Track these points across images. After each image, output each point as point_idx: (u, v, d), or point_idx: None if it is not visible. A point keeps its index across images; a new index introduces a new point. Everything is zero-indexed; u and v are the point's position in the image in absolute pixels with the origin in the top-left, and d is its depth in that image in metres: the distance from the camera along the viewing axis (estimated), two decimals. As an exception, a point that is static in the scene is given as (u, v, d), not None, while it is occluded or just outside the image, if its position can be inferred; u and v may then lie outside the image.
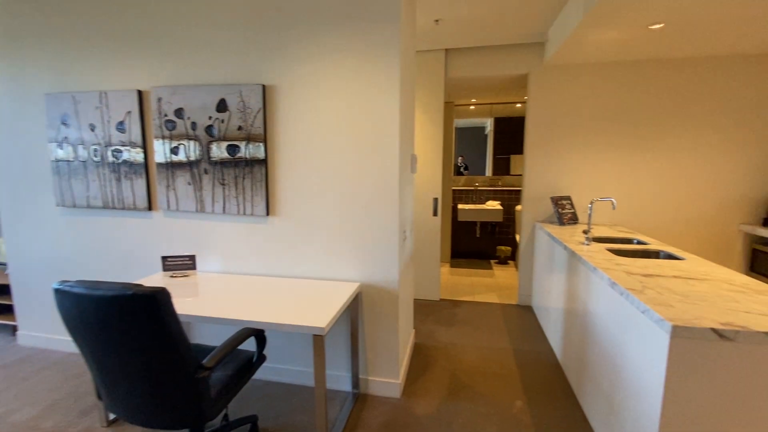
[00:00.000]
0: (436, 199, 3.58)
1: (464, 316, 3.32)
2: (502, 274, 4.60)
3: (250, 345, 2.33)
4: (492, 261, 5.21)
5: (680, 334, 1.20)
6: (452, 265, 4.98)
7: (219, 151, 2.16)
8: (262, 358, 1.73)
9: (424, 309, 3.48)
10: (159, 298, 1.21)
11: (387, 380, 2.15)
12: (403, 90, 2.05)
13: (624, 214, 3.27)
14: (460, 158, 5.76)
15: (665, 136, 3.12)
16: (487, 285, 4.17)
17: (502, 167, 5.55)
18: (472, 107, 5.41)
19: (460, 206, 5.01)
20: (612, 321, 1.68)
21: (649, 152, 3.17)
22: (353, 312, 2.07)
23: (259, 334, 1.68)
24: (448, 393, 2.20)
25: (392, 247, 2.03)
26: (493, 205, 5.01)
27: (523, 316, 3.30)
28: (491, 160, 5.63)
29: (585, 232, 2.42)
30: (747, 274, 3.08)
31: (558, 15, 2.78)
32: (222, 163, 2.16)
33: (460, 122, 5.68)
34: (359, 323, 2.14)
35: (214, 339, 2.38)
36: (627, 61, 3.09)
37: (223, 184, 2.18)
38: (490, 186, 5.34)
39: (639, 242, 2.55)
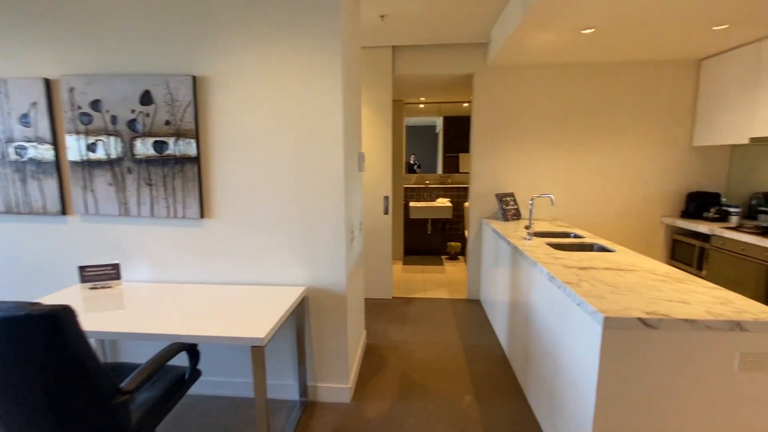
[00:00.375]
0: (386, 198, 3.56)
1: (416, 313, 3.33)
2: (452, 269, 4.70)
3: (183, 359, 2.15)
4: (443, 257, 5.30)
5: (611, 325, 1.25)
6: (405, 263, 5.00)
7: (144, 148, 1.95)
8: (196, 374, 1.59)
9: (376, 308, 3.45)
10: (60, 318, 1.05)
11: (336, 385, 2.08)
12: (347, 85, 1.98)
13: (563, 209, 3.45)
14: (412, 156, 5.80)
15: (596, 136, 3.33)
16: (438, 281, 4.23)
17: (451, 165, 5.66)
18: (421, 106, 5.46)
19: (411, 204, 5.04)
20: (551, 313, 1.74)
21: (583, 151, 3.36)
22: (299, 317, 1.97)
23: (191, 349, 1.54)
24: (400, 393, 2.17)
25: (339, 248, 1.96)
26: (443, 202, 5.10)
27: (472, 311, 3.38)
28: (442, 158, 5.73)
29: (527, 227, 2.51)
30: (668, 263, 3.38)
31: (499, 17, 2.85)
32: (148, 162, 1.96)
33: (411, 121, 5.72)
34: (306, 329, 2.05)
35: (146, 356, 2.17)
36: (563, 64, 3.25)
37: (150, 185, 1.98)
38: (441, 184, 5.43)
39: (576, 236, 2.70)
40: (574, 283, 1.57)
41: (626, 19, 2.24)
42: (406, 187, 5.32)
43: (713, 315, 1.24)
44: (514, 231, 2.78)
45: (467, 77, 3.60)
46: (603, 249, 2.31)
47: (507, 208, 3.26)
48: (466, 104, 5.36)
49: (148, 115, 1.93)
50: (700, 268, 2.98)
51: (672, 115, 3.27)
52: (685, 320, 1.23)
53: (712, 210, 3.11)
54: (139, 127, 1.94)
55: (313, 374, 2.09)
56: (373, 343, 2.78)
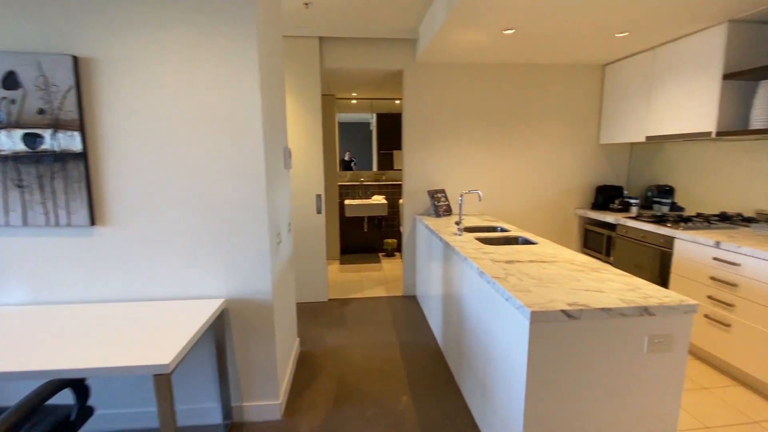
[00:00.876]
0: (319, 196, 3.41)
1: (353, 314, 3.24)
2: (389, 266, 4.69)
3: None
4: (380, 254, 5.28)
5: (538, 319, 1.27)
6: (342, 262, 4.88)
7: (10, 141, 1.60)
8: (85, 413, 1.33)
9: (311, 312, 3.29)
10: None
11: (265, 403, 1.91)
12: (267, 74, 1.80)
13: (490, 203, 3.59)
14: (347, 153, 5.68)
15: (517, 134, 3.52)
16: (375, 279, 4.19)
17: (386, 162, 5.65)
18: (354, 101, 5.36)
19: (347, 202, 4.93)
20: (482, 307, 1.76)
21: (506, 148, 3.53)
22: (218, 333, 1.77)
23: (76, 384, 1.28)
24: (335, 402, 2.07)
25: (263, 254, 1.79)
26: (379, 199, 5.07)
27: (408, 307, 3.38)
28: (376, 155, 5.69)
29: (457, 223, 2.54)
30: (581, 251, 3.69)
31: (426, 13, 2.85)
32: (16, 159, 1.61)
33: (345, 117, 5.59)
34: (228, 345, 1.85)
35: (23, 394, 1.80)
36: (487, 64, 3.37)
37: (20, 187, 1.63)
38: (376, 181, 5.39)
39: (502, 230, 2.80)
40: (501, 278, 1.59)
41: (542, 21, 2.35)
42: (340, 185, 5.20)
43: (625, 302, 1.32)
44: (446, 227, 2.81)
45: (397, 73, 3.57)
46: (527, 241, 2.42)
47: (438, 205, 3.31)
48: (398, 101, 5.37)
49: (14, 101, 1.58)
50: (608, 254, 3.29)
51: (582, 116, 3.56)
52: (602, 309, 1.29)
53: (617, 201, 3.44)
54: (2, 116, 1.58)
55: (238, 393, 1.90)
56: (307, 350, 2.63)
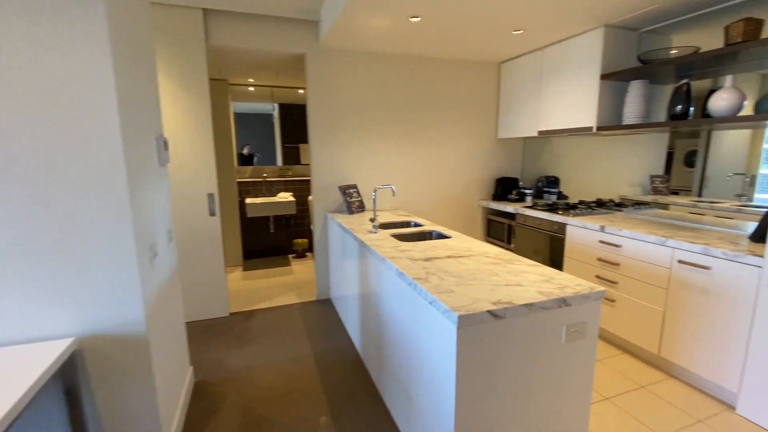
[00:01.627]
0: (211, 195, 2.94)
1: (260, 327, 2.88)
2: (300, 269, 4.37)
3: None
4: (290, 256, 4.91)
5: (465, 323, 1.17)
6: (246, 268, 4.40)
7: None
8: None
9: (207, 332, 2.84)
10: None
11: (145, 460, 1.51)
12: (123, 42, 1.38)
13: (402, 198, 3.54)
14: (246, 147, 5.13)
15: (426, 128, 3.52)
16: (285, 284, 3.84)
17: (292, 156, 5.26)
18: (251, 89, 4.85)
19: (248, 201, 4.44)
20: (403, 310, 1.63)
21: (415, 142, 3.50)
22: (69, 384, 1.32)
23: None
24: (240, 439, 1.75)
25: (128, 273, 1.38)
26: (285, 196, 4.69)
27: (323, 312, 3.14)
28: (281, 149, 5.26)
29: (371, 220, 2.39)
30: (486, 240, 3.88)
31: (328, -8, 2.61)
32: None
33: (243, 106, 5.03)
34: (85, 400, 1.40)
35: None
36: (395, 55, 3.27)
37: None
38: (281, 177, 4.98)
39: (416, 224, 2.74)
40: (423, 279, 1.47)
41: (447, 10, 2.30)
42: (240, 182, 4.67)
43: (545, 295, 1.30)
44: (360, 224, 2.64)
45: (299, 58, 3.27)
46: (441, 236, 2.38)
47: (351, 201, 3.12)
48: (302, 90, 5.02)
49: None
50: (509, 242, 3.50)
51: (482, 111, 3.71)
52: (526, 305, 1.24)
53: (514, 192, 3.68)
54: None
55: (104, 456, 1.46)
56: (204, 379, 2.23)
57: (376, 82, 3.26)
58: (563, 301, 1.30)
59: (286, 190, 4.88)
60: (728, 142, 2.33)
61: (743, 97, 1.98)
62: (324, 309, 3.22)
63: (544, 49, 3.10)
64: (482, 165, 3.81)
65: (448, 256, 1.81)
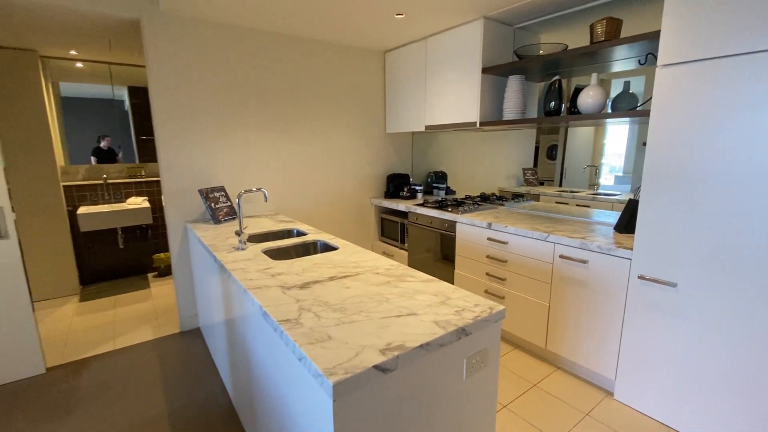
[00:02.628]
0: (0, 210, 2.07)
1: (94, 384, 2.15)
2: (163, 291, 3.57)
3: None
4: (150, 275, 4.01)
5: (343, 391, 0.84)
6: (85, 298, 3.41)
7: None
8: None
9: (10, 402, 2.00)
10: None
11: None
12: None
13: (284, 200, 3.09)
14: (106, 139, 3.99)
15: (308, 121, 3.11)
16: (139, 314, 3.05)
17: (149, 152, 4.29)
18: (80, 65, 3.75)
19: (81, 210, 3.43)
20: (272, 362, 1.24)
21: (300, 136, 3.08)
22: None
23: None
24: None
25: None
26: (137, 202, 3.77)
27: (188, 348, 2.53)
28: (136, 142, 4.24)
29: (238, 233, 1.91)
30: (380, 240, 3.68)
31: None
32: None
33: (79, 89, 3.86)
34: None
35: None
36: (266, 32, 2.77)
37: None
38: (132, 177, 4.01)
39: (299, 233, 2.35)
40: (293, 321, 1.10)
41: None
42: (68, 186, 3.59)
43: (442, 326, 1.06)
44: (226, 238, 2.13)
45: (133, 25, 2.53)
46: (327, 247, 2.04)
47: (217, 207, 2.55)
48: (154, 72, 4.09)
49: None
50: (403, 241, 3.34)
51: (370, 104, 3.46)
52: (421, 346, 0.97)
53: (405, 189, 3.54)
54: None
55: None
56: (-22, 490, 1.49)
57: (247, 64, 2.72)
58: (463, 331, 1.07)
59: (139, 194, 3.94)
60: (580, 138, 2.58)
61: (606, 95, 2.07)
62: (190, 343, 2.60)
63: (427, 39, 2.96)
64: (372, 161, 3.58)
65: (332, 278, 1.47)
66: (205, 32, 2.55)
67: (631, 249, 1.79)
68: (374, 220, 3.65)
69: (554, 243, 2.09)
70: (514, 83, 2.49)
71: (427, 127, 3.10)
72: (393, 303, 1.22)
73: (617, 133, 2.46)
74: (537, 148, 2.89)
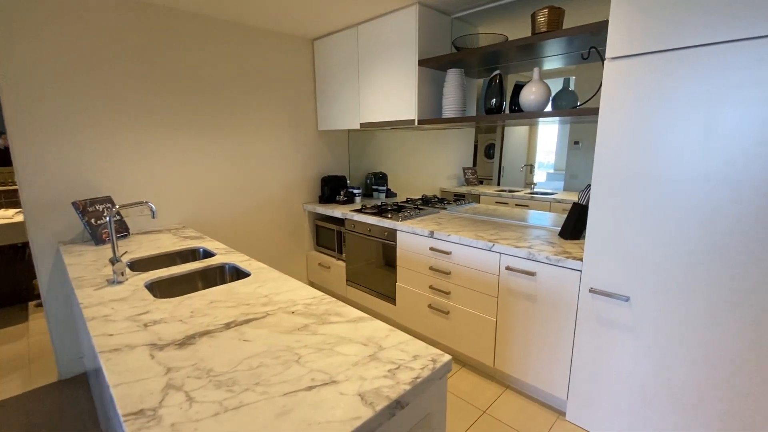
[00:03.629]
0: None
1: None
2: (44, 325, 2.89)
3: None
4: (32, 303, 3.27)
5: None
6: (-72, 341, 2.63)
7: None
8: None
9: None
10: None
11: None
12: None
13: (196, 209, 2.61)
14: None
15: (228, 116, 2.66)
16: (8, 358, 2.40)
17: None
18: None
19: None
20: (131, 463, 0.86)
21: (217, 133, 2.61)
22: None
23: None
24: None
25: None
26: (8, 216, 3.03)
27: (69, 403, 1.99)
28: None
29: (113, 261, 1.46)
30: (316, 250, 3.32)
31: None
32: None
33: None
34: None
35: None
36: (173, 8, 2.27)
37: None
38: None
39: (205, 253, 1.93)
40: (149, 414, 0.74)
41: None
42: None
43: (369, 401, 0.76)
44: (104, 266, 1.66)
45: (-31, -12, 1.91)
46: (237, 273, 1.66)
47: (100, 223, 2.03)
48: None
49: None
50: (340, 251, 3.02)
51: (300, 99, 3.08)
52: (336, 447, 0.67)
53: (342, 193, 3.22)
54: None
55: None
56: None
57: (149, 48, 2.21)
58: (398, 405, 0.79)
59: (10, 206, 3.18)
60: (515, 137, 2.51)
61: (549, 91, 1.92)
62: (71, 396, 2.05)
63: (358, 26, 2.65)
64: (304, 162, 3.20)
65: (229, 324, 1.11)
66: (90, 3, 2.00)
67: (581, 260, 1.64)
68: (308, 227, 3.29)
69: (500, 253, 1.91)
70: (453, 78, 2.28)
71: (362, 125, 2.80)
72: (306, 364, 0.90)
73: (548, 130, 2.39)
74: (476, 147, 2.79)
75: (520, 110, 2.07)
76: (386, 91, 2.55)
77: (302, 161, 3.19)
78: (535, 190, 2.47)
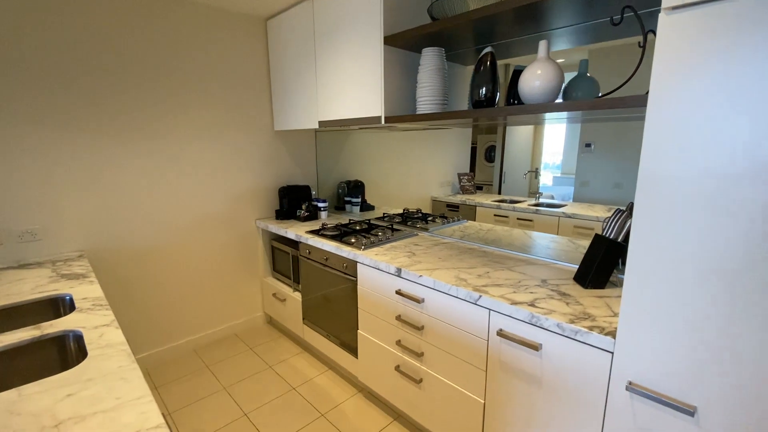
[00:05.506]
0: None
1: None
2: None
3: None
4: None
5: None
6: None
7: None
8: None
9: None
10: None
11: None
12: None
13: (109, 229, 2.04)
14: None
15: (164, 112, 2.09)
16: None
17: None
18: None
19: None
20: None
21: (143, 133, 2.04)
22: None
23: None
24: None
25: None
26: None
27: None
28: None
29: None
30: (273, 276, 2.74)
31: None
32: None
33: None
34: None
35: None
36: (38, -33, 1.71)
37: None
38: None
39: (72, 304, 1.35)
40: None
41: None
42: None
43: None
44: None
45: None
46: (76, 349, 1.08)
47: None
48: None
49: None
50: (297, 281, 2.44)
51: (251, 92, 2.50)
52: None
53: (304, 207, 2.64)
54: None
55: None
56: None
57: (47, 23, 1.64)
58: None
59: None
60: (519, 137, 1.95)
61: (561, 74, 1.32)
62: None
63: (312, -3, 2.07)
64: (258, 169, 2.63)
65: None
66: None
67: (613, 334, 1.04)
68: (263, 248, 2.71)
69: (488, 309, 1.31)
70: (429, 59, 1.69)
71: (321, 124, 2.22)
72: None
73: (555, 129, 1.81)
74: (474, 149, 2.21)
75: (520, 103, 1.47)
76: (346, 82, 1.97)
77: (255, 168, 2.61)
78: (541, 200, 1.89)
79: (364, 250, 1.86)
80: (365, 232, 2.15)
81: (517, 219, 1.96)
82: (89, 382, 0.89)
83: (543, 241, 1.78)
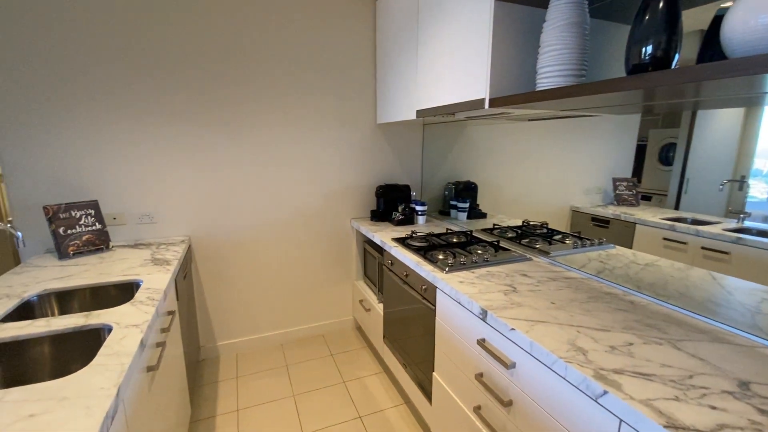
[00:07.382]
0: None
1: None
2: None
3: None
4: None
5: None
6: None
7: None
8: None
9: None
10: None
11: None
12: None
13: (210, 218, 2.14)
14: None
15: (263, 104, 2.11)
16: None
17: None
18: None
19: None
20: None
21: (240, 126, 2.10)
22: None
23: None
24: None
25: None
26: None
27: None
28: None
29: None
30: (364, 280, 2.54)
31: None
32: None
33: None
34: None
35: None
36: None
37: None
38: None
39: (134, 287, 1.36)
40: None
41: None
42: None
43: None
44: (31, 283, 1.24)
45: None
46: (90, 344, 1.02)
47: (70, 234, 1.70)
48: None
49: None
50: (382, 291, 2.16)
51: (356, 83, 2.33)
52: None
53: (400, 209, 2.34)
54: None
55: None
56: None
57: (150, 18, 1.82)
58: None
59: None
60: (715, 129, 1.17)
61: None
62: None
63: (414, -43, 1.72)
64: (358, 165, 2.45)
65: None
66: (65, -30, 1.69)
67: None
68: (356, 250, 2.52)
69: (619, 419, 0.76)
70: (559, 11, 1.14)
71: (418, 113, 1.87)
72: None
73: None
74: (642, 147, 1.49)
75: (722, 59, 0.83)
76: (446, 58, 1.56)
77: (354, 164, 2.43)
78: (746, 224, 1.11)
79: (447, 272, 1.44)
80: (460, 247, 1.72)
81: (702, 249, 1.21)
82: (62, 402, 0.77)
83: (746, 297, 1.05)
